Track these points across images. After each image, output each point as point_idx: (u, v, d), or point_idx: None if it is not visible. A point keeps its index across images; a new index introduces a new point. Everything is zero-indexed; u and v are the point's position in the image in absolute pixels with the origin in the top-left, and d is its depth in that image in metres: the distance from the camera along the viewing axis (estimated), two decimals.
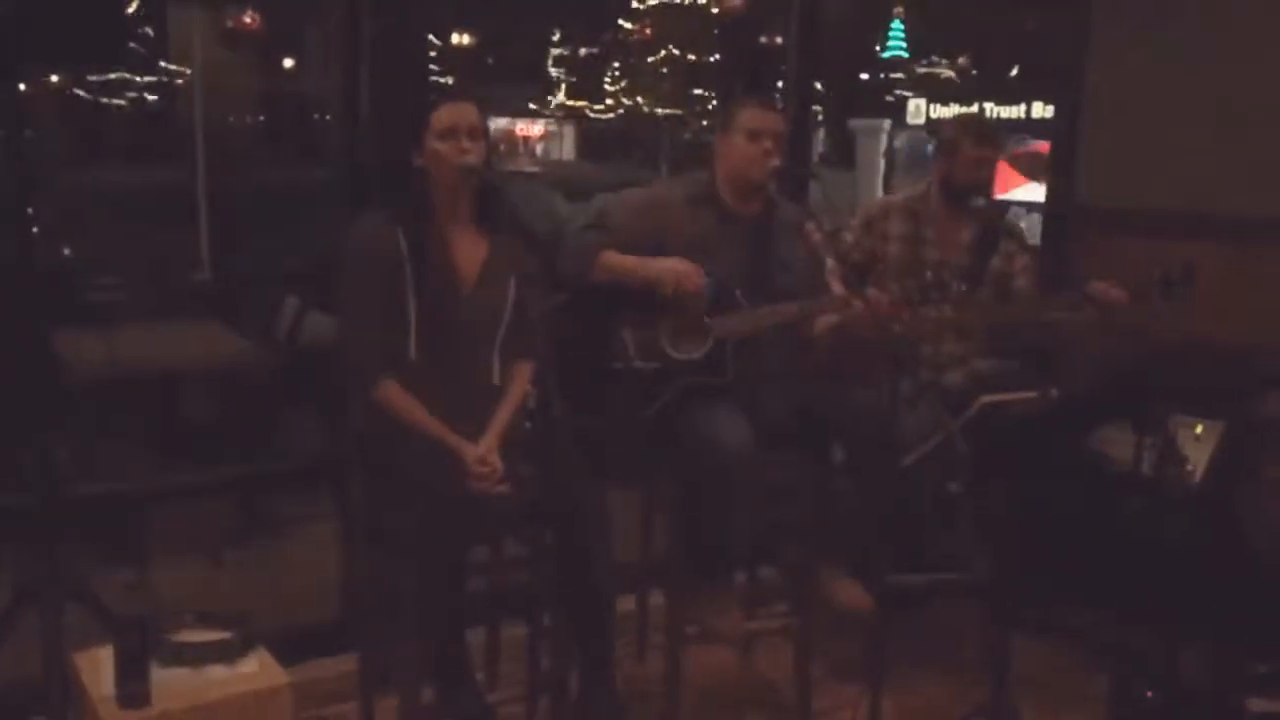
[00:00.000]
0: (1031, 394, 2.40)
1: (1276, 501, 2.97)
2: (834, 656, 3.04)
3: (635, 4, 16.17)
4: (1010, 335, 3.14)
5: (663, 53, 16.49)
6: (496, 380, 2.52)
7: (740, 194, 2.84)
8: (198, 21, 5.20)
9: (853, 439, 2.83)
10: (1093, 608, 2.99)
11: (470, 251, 2.49)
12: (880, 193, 10.58)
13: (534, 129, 25.08)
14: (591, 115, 22.71)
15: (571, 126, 24.46)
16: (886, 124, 11.34)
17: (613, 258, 2.74)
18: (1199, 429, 3.11)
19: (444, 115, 2.39)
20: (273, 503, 3.80)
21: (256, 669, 2.18)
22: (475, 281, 2.48)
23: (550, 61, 22.80)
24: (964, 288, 2.88)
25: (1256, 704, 2.62)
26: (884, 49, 26.34)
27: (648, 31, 15.63)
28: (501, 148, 21.45)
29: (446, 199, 2.46)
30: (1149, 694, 2.71)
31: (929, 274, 2.70)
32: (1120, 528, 2.89)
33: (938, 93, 12.55)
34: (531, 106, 23.32)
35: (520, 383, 2.54)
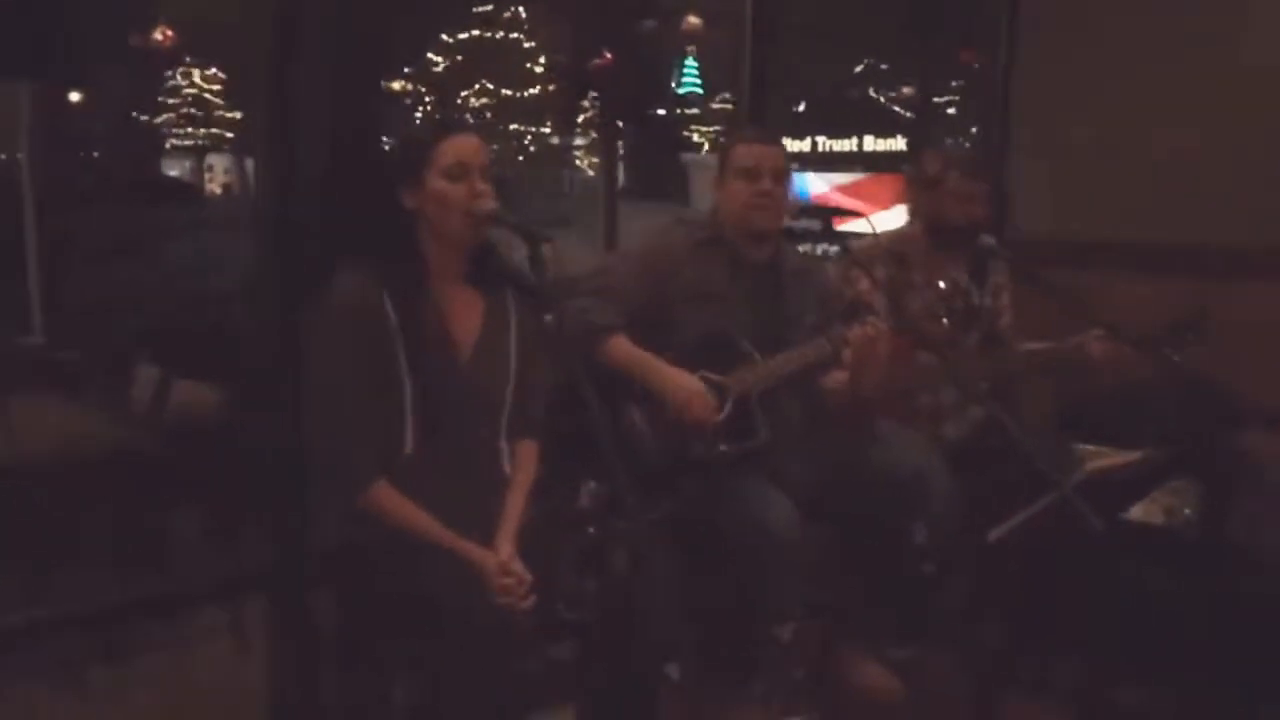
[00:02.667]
0: (1135, 455, 2.18)
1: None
2: None
3: (445, 37, 15.67)
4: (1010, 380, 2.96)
5: (476, 86, 16.06)
6: (507, 467, 2.11)
7: (748, 238, 2.54)
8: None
9: (929, 510, 2.53)
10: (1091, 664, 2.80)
11: (465, 314, 2.07)
12: None
13: None
14: None
15: None
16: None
17: (621, 350, 2.38)
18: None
19: (453, 149, 1.97)
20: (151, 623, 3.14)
21: None
22: (473, 351, 2.06)
23: None
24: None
25: None
26: (679, 85, 26.87)
27: None
28: None
29: (444, 251, 2.02)
30: None
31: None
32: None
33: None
34: None
35: (528, 467, 2.13)
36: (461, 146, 1.97)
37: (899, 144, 12.94)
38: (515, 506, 2.06)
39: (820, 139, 10.05)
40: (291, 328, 2.26)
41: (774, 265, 2.59)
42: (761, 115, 3.31)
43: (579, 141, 18.87)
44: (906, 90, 18.00)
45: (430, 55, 15.82)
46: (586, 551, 1.88)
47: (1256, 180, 3.34)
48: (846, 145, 9.54)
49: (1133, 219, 3.62)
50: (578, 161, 19.60)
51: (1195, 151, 3.46)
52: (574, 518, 1.90)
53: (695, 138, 22.57)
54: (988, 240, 2.86)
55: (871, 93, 20.39)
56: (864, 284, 2.78)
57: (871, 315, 2.42)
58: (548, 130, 16.83)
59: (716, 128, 21.77)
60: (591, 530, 1.86)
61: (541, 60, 16.24)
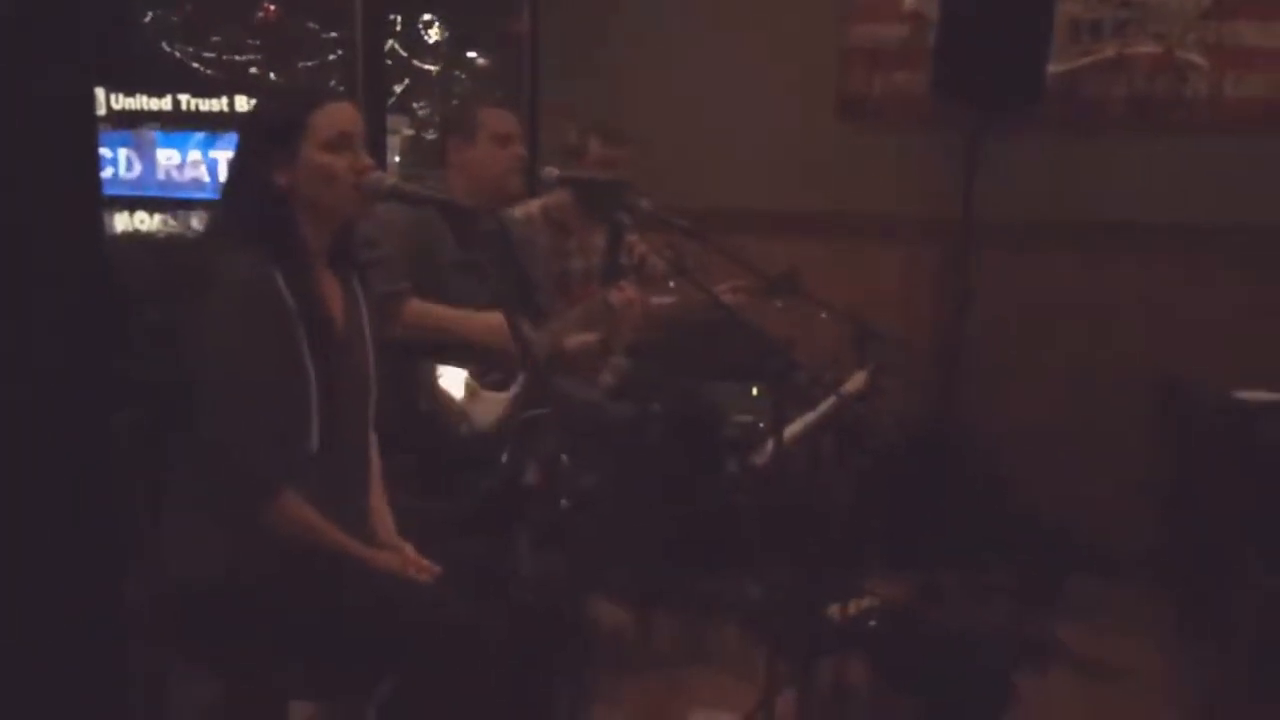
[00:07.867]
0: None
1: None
2: None
3: None
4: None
5: None
6: (374, 457, 1.93)
7: (487, 205, 2.51)
8: None
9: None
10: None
11: (333, 296, 1.83)
12: None
13: None
14: None
15: None
16: None
17: (423, 310, 2.28)
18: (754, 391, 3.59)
19: (331, 118, 1.73)
20: None
21: None
22: (344, 335, 1.83)
23: None
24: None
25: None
26: None
27: None
28: None
29: (318, 229, 1.78)
30: None
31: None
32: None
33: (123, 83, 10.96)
34: None
35: (377, 454, 1.96)
36: (341, 115, 1.74)
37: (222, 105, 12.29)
38: (383, 497, 1.93)
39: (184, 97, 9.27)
40: None
41: (503, 233, 2.59)
42: None
43: None
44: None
45: None
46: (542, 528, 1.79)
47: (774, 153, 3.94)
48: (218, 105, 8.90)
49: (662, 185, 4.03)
50: None
51: (729, 124, 3.95)
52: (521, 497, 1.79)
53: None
54: (645, 203, 3.09)
55: (168, 47, 19.14)
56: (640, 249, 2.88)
57: (625, 280, 2.55)
58: None
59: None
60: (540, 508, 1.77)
61: None
